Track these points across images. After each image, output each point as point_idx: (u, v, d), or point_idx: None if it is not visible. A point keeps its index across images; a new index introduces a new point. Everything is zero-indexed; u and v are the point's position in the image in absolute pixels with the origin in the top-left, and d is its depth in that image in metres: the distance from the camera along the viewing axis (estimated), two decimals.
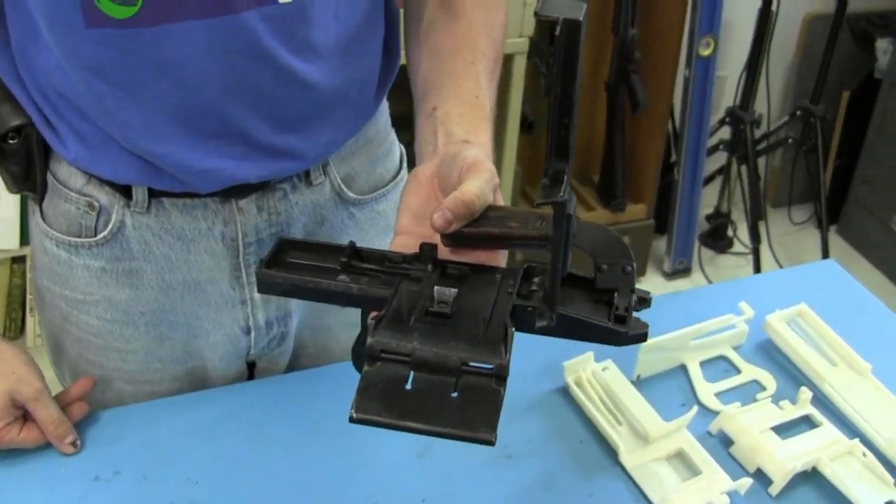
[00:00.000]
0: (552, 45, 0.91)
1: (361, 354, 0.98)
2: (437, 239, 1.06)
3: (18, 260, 3.13)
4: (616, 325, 1.02)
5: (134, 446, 1.35)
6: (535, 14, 0.89)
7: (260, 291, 1.09)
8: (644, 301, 1.05)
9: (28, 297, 3.21)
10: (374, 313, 1.00)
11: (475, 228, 1.05)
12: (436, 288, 1.01)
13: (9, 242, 2.88)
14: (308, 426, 1.38)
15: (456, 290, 1.01)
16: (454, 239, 1.06)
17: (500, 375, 0.93)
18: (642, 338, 1.04)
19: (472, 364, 0.93)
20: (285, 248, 1.11)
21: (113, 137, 1.28)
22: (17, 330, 3.29)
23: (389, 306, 0.99)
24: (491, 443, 0.89)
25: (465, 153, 1.11)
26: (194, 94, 1.23)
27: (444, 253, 1.07)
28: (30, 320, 3.24)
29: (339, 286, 1.05)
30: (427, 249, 1.05)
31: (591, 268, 1.05)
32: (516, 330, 0.98)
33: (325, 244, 1.12)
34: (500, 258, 1.09)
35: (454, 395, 0.92)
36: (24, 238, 2.87)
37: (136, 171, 1.31)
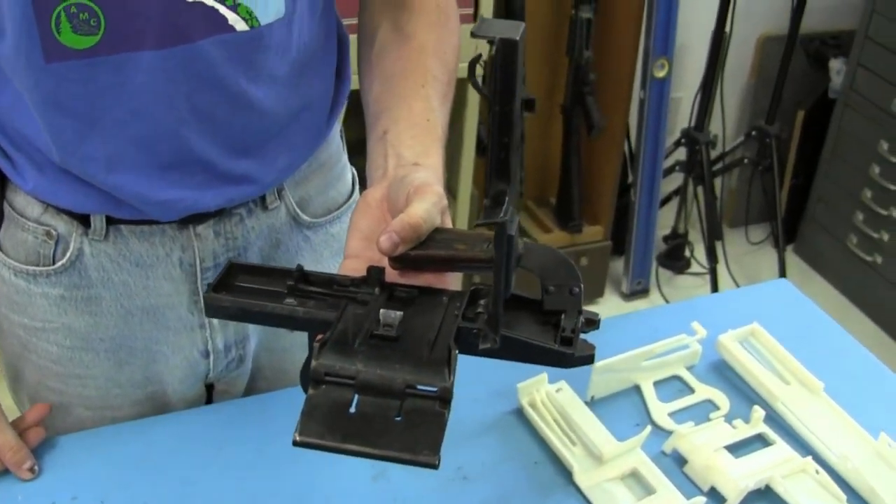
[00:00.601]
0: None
1: (307, 376, 0.98)
2: (385, 262, 1.06)
3: None
4: (562, 347, 1.03)
5: (91, 471, 1.35)
6: (472, 34, 0.90)
7: (207, 315, 1.10)
8: (592, 322, 1.06)
9: None
10: (319, 336, 1.00)
11: (422, 251, 1.06)
12: (381, 311, 1.02)
13: None
14: (263, 450, 1.38)
15: (401, 312, 1.02)
16: (402, 262, 1.07)
17: (444, 398, 0.94)
18: (589, 359, 1.04)
19: (416, 387, 0.94)
20: (234, 272, 1.12)
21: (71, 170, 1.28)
22: None
23: (334, 329, 1.00)
24: (434, 466, 0.89)
25: (413, 176, 1.12)
26: (153, 122, 1.24)
27: (392, 276, 1.07)
28: None
29: (285, 310, 1.06)
30: (374, 272, 1.06)
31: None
32: (460, 352, 0.99)
33: (273, 268, 1.13)
34: (450, 280, 1.10)
35: (398, 418, 0.92)
36: None
37: (94, 201, 1.32)
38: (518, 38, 0.89)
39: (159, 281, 1.41)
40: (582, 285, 1.05)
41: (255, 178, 1.37)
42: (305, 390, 0.98)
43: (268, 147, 1.36)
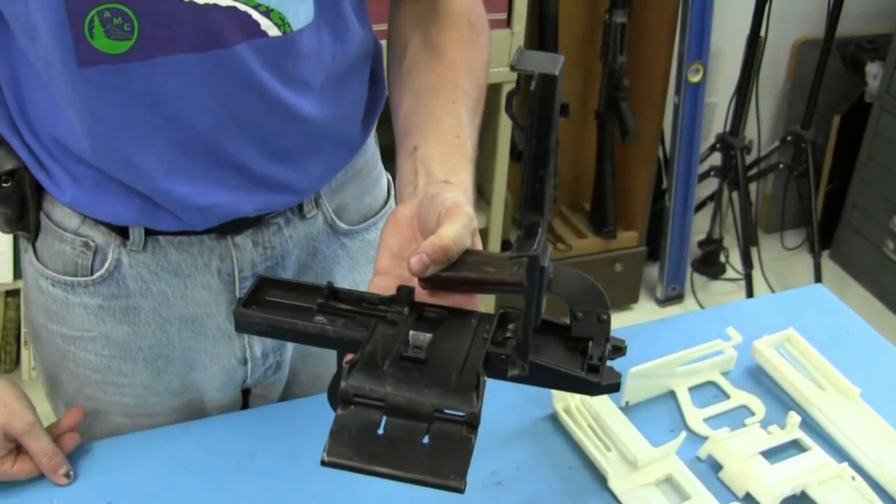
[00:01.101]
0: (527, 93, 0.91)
1: (336, 395, 0.99)
2: (415, 281, 1.06)
3: (12, 293, 3.13)
4: (589, 375, 1.02)
5: (125, 477, 1.36)
6: (511, 68, 0.90)
7: (237, 330, 1.10)
8: (619, 349, 1.06)
9: (23, 329, 3.21)
10: (349, 356, 1.02)
11: (452, 273, 1.06)
12: (411, 333, 1.02)
13: (3, 276, 2.89)
14: (298, 456, 1.39)
15: (430, 335, 1.02)
16: (431, 282, 1.07)
17: (472, 423, 0.94)
18: (615, 388, 1.04)
19: (444, 411, 0.94)
20: (264, 286, 1.12)
21: (109, 178, 1.29)
22: (11, 363, 3.29)
23: (364, 350, 1.00)
24: (461, 490, 0.90)
25: (444, 195, 1.12)
26: (188, 127, 1.24)
27: (421, 295, 1.08)
28: (24, 353, 3.24)
29: (315, 328, 1.06)
30: (404, 292, 1.06)
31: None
32: (489, 377, 0.99)
33: (303, 284, 1.12)
34: (478, 301, 1.10)
35: (425, 441, 0.93)
36: (18, 272, 2.87)
37: (132, 212, 1.32)
38: (557, 74, 0.89)
39: (197, 290, 1.41)
40: (609, 312, 1.05)
41: (291, 184, 1.37)
42: (334, 408, 0.98)
43: (303, 154, 1.36)
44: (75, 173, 1.31)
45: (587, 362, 1.03)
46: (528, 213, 0.96)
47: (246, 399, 1.59)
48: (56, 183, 1.33)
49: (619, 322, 1.19)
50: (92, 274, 1.38)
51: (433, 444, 0.92)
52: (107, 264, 1.37)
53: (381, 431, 0.93)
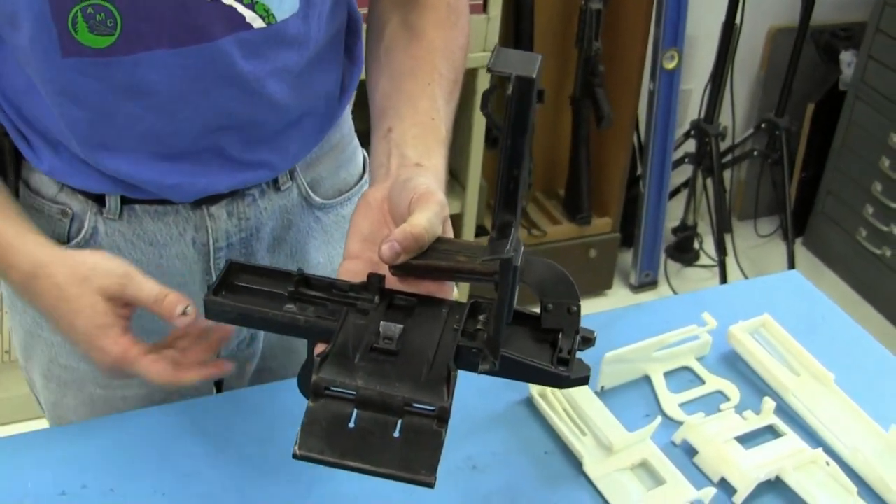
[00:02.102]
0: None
1: (307, 383, 1.00)
2: (385, 267, 1.07)
3: None
4: (558, 369, 1.03)
5: (100, 460, 1.35)
6: (488, 69, 0.90)
7: (207, 317, 1.09)
8: (588, 341, 1.06)
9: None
10: (320, 346, 1.02)
11: (423, 261, 1.06)
12: (382, 323, 1.02)
13: None
14: (273, 439, 1.38)
15: (402, 326, 1.02)
16: (402, 270, 1.07)
17: (442, 417, 0.94)
18: (584, 381, 1.04)
19: (414, 405, 0.95)
20: (235, 271, 1.12)
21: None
22: None
23: (335, 342, 1.00)
24: (430, 485, 0.91)
25: (416, 180, 1.12)
26: (169, 118, 1.25)
27: (391, 282, 1.08)
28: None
29: (286, 317, 1.07)
30: (375, 280, 1.06)
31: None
32: (460, 369, 1.00)
33: (274, 269, 1.13)
34: (449, 289, 1.10)
35: (396, 435, 0.93)
36: None
37: (109, 183, 1.33)
38: (534, 76, 0.89)
39: (172, 260, 1.41)
40: (580, 304, 1.05)
41: (269, 163, 1.38)
42: (305, 395, 0.99)
43: (281, 136, 1.37)
44: (53, 144, 1.31)
45: (557, 355, 1.03)
46: (502, 212, 0.97)
47: (219, 382, 1.59)
48: (35, 152, 1.33)
49: (593, 308, 1.20)
50: (69, 242, 1.38)
51: (404, 439, 0.93)
52: (83, 232, 1.37)
53: (352, 425, 0.94)
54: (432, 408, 0.95)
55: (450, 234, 1.11)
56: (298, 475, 1.33)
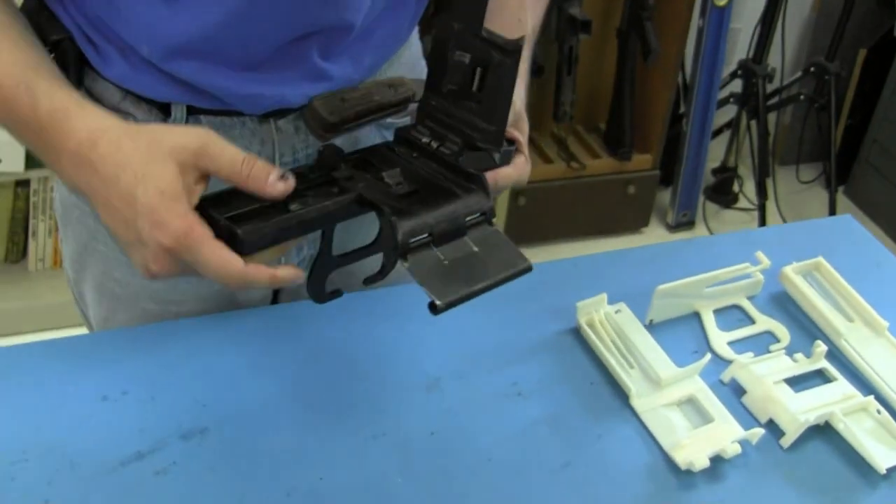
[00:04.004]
0: None
1: (319, 286, 1.12)
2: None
3: (22, 184, 3.11)
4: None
5: (142, 367, 1.33)
6: None
7: (245, 253, 1.02)
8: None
9: (31, 220, 3.20)
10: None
11: (350, 112, 1.15)
12: (384, 174, 1.08)
13: (14, 165, 2.86)
14: (316, 355, 1.37)
15: (397, 168, 1.09)
16: (334, 131, 1.15)
17: (490, 217, 1.04)
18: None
19: (467, 219, 1.03)
20: (215, 205, 1.05)
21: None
22: (18, 254, 3.29)
23: (384, 204, 1.03)
24: (531, 268, 1.04)
25: None
26: (245, 20, 1.21)
27: None
28: (32, 243, 3.23)
29: (317, 210, 1.06)
30: (329, 151, 1.11)
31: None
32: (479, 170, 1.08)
33: (233, 189, 1.07)
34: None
35: (476, 249, 1.02)
36: (30, 161, 2.85)
37: (178, 90, 1.29)
38: None
39: None
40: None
41: (343, 76, 1.34)
42: (319, 298, 1.12)
43: (356, 46, 1.34)
44: (122, 49, 1.27)
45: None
46: None
47: (276, 296, 1.57)
48: (102, 57, 1.29)
49: (630, 245, 1.19)
50: None
51: (481, 249, 1.02)
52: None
53: (446, 262, 1.00)
54: (484, 212, 1.04)
55: (525, 134, 1.18)
56: (345, 392, 1.32)
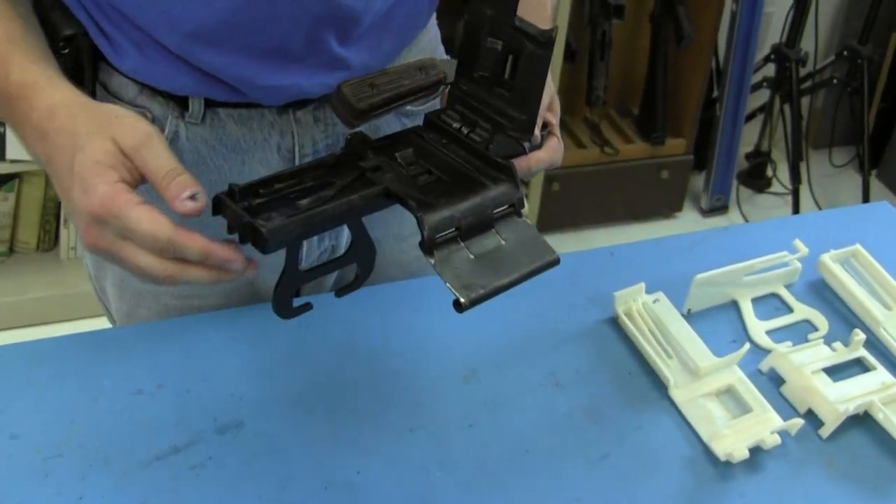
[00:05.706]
0: None
1: (283, 296, 1.09)
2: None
3: None
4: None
5: (177, 360, 1.33)
6: None
7: (269, 250, 1.01)
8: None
9: (62, 209, 3.20)
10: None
11: (379, 99, 1.10)
12: (411, 163, 1.07)
13: None
14: (352, 347, 1.36)
15: (424, 157, 1.08)
16: (363, 118, 1.09)
17: (519, 207, 1.02)
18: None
19: (496, 211, 1.01)
20: (231, 201, 1.03)
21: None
22: (50, 241, 3.29)
23: (410, 198, 1.01)
24: (558, 261, 1.02)
25: None
26: (263, 5, 1.20)
27: None
28: (63, 232, 3.23)
29: (342, 205, 1.02)
30: (357, 139, 1.09)
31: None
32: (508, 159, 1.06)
33: (267, 178, 1.06)
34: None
35: (503, 242, 1.00)
36: None
37: (195, 82, 1.28)
38: None
39: (255, 166, 1.37)
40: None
41: (361, 63, 1.33)
42: (284, 314, 1.11)
43: (374, 32, 1.33)
44: (137, 40, 1.26)
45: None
46: None
47: (298, 290, 1.56)
48: (116, 50, 1.28)
49: (663, 231, 1.17)
50: None
51: (509, 242, 1.00)
52: (164, 136, 1.33)
53: (472, 256, 0.98)
54: (511, 204, 1.02)
55: (557, 115, 1.19)
56: (382, 384, 1.32)
